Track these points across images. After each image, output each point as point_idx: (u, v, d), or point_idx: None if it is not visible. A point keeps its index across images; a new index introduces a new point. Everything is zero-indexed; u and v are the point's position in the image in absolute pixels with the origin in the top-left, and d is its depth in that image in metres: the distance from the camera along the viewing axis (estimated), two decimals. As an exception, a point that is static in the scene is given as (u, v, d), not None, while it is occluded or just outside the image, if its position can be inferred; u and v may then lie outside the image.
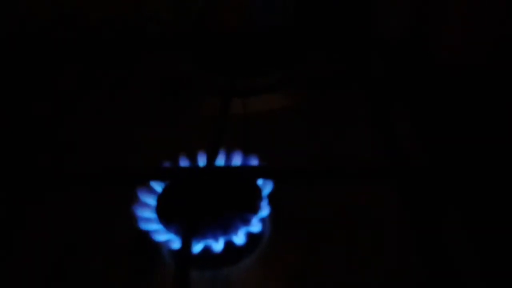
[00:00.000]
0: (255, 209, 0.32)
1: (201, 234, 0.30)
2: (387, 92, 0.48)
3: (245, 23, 0.58)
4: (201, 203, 0.32)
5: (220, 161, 0.36)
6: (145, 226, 0.32)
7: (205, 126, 0.40)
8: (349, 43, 0.58)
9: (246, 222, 0.31)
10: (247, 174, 0.35)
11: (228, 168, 0.36)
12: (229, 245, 0.31)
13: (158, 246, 0.32)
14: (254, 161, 0.36)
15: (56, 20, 0.60)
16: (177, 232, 0.31)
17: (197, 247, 0.30)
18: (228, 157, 0.37)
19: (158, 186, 0.35)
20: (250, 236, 0.31)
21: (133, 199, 0.33)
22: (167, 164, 0.36)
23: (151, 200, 0.33)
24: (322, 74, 0.53)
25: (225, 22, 0.59)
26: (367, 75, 0.52)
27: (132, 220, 0.32)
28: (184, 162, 0.36)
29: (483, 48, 0.50)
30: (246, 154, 0.37)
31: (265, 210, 0.32)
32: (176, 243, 0.31)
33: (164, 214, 0.32)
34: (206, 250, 0.30)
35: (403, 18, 0.56)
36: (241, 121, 0.46)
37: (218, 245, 0.30)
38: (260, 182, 0.34)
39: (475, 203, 0.34)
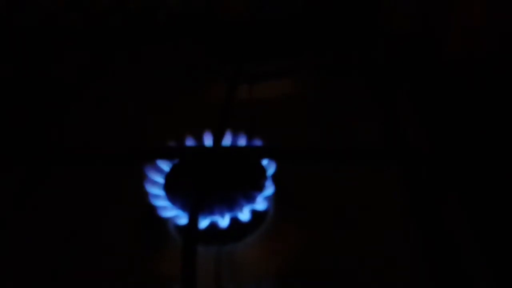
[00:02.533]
0: (260, 188, 0.33)
1: (207, 210, 0.31)
2: (391, 80, 0.49)
3: (252, 9, 0.58)
4: (208, 181, 0.33)
5: (226, 142, 0.37)
6: (153, 202, 0.33)
7: (211, 111, 0.41)
8: (355, 32, 0.58)
9: (251, 200, 0.32)
10: (252, 154, 0.35)
11: (233, 148, 0.37)
12: (234, 221, 0.32)
13: (165, 222, 0.33)
14: (259, 143, 0.37)
15: (63, 7, 0.61)
16: (184, 208, 0.32)
17: (203, 223, 0.31)
18: (234, 140, 0.38)
19: (165, 165, 0.36)
20: (255, 213, 0.32)
21: (142, 177, 0.34)
22: (174, 144, 0.37)
23: (159, 178, 0.34)
24: (327, 61, 0.53)
25: (233, 8, 0.59)
26: (372, 63, 0.52)
27: (140, 197, 0.33)
28: (191, 142, 0.37)
29: (490, 41, 0.50)
30: (251, 138, 0.38)
31: (269, 189, 0.33)
32: (183, 219, 0.32)
33: (172, 191, 0.33)
34: (212, 226, 0.31)
35: (409, 9, 0.56)
36: (247, 107, 0.46)
37: (223, 221, 0.31)
38: (264, 162, 0.35)
39: (475, 188, 0.34)
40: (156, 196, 0.33)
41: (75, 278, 0.30)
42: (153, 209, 0.33)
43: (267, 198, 0.33)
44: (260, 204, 0.32)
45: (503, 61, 0.48)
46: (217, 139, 0.36)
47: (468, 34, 0.50)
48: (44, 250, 0.32)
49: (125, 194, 0.35)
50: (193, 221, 0.30)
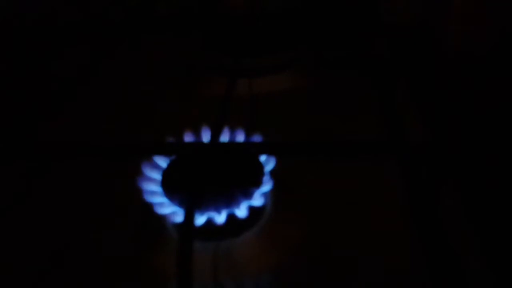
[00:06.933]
0: (257, 184, 0.32)
1: (204, 207, 0.31)
2: (392, 74, 0.48)
3: (252, 3, 0.58)
4: (205, 177, 0.33)
5: (224, 137, 0.37)
6: (149, 199, 0.33)
7: (210, 106, 0.40)
8: (356, 25, 0.58)
9: (248, 196, 0.32)
10: (250, 150, 0.35)
11: (231, 143, 0.36)
12: (231, 218, 0.31)
13: (162, 219, 0.33)
14: (257, 139, 0.37)
15: (63, 3, 0.61)
16: (181, 205, 0.32)
17: (200, 220, 0.31)
18: (232, 135, 0.37)
19: (162, 161, 0.35)
20: (252, 209, 0.32)
21: (138, 173, 0.34)
22: (172, 139, 0.37)
23: (156, 174, 0.34)
24: (328, 55, 0.53)
25: (232, 2, 0.59)
26: (373, 57, 0.52)
27: (137, 193, 0.33)
28: (188, 138, 0.37)
29: (490, 36, 0.49)
30: (250, 133, 0.37)
31: (267, 185, 0.33)
32: (179, 216, 0.32)
33: (169, 187, 0.33)
34: (209, 223, 0.31)
35: (409, 3, 0.56)
36: (247, 101, 0.46)
37: (220, 218, 0.31)
38: (263, 158, 0.35)
39: (474, 185, 0.34)
40: (153, 193, 0.33)
41: (72, 276, 0.30)
42: (149, 206, 0.32)
43: (264, 194, 0.33)
44: (258, 200, 0.32)
45: (503, 56, 0.47)
46: (215, 134, 0.36)
47: (468, 29, 0.50)
48: (42, 249, 0.32)
49: (123, 191, 0.35)
50: (189, 217, 0.30)
